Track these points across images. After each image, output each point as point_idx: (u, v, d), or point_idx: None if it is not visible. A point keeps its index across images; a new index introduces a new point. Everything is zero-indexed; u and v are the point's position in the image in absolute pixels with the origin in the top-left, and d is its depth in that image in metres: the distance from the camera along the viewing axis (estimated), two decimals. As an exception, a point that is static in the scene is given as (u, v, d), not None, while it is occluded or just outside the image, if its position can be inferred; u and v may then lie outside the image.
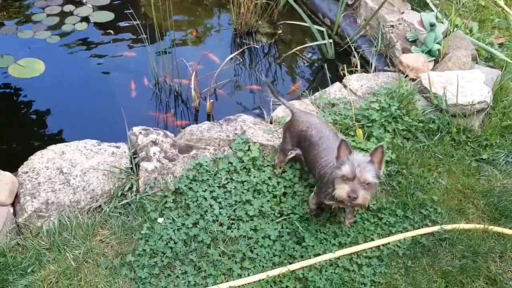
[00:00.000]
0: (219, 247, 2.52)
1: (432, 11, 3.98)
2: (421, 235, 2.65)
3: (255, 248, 2.54)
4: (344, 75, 3.60)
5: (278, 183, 2.80)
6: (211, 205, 2.67)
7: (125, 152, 2.87)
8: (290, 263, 2.49)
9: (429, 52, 3.60)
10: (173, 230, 2.56)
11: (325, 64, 3.93)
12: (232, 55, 3.86)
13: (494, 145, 3.14)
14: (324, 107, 3.27)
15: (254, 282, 2.41)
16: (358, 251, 2.57)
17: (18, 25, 4.33)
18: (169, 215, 2.62)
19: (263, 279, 2.41)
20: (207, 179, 2.75)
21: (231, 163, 2.83)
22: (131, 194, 2.71)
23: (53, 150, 2.83)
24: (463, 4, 4.33)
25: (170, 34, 4.01)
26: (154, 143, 2.87)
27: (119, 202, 2.67)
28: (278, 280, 2.42)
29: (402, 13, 3.93)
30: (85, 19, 4.44)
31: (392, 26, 3.86)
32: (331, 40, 4.01)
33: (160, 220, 2.61)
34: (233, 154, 2.88)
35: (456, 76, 3.25)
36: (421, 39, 3.65)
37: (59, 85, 3.85)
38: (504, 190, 2.90)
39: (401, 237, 2.63)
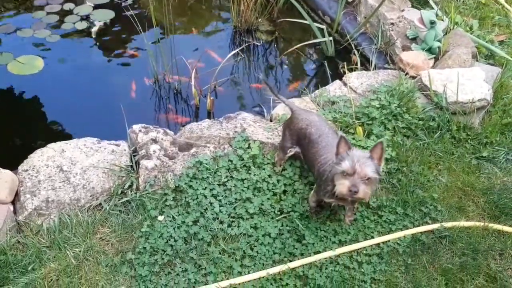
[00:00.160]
0: (219, 245, 2.53)
1: (432, 8, 3.97)
2: (421, 232, 2.65)
3: (255, 246, 2.54)
4: (344, 73, 3.60)
5: (278, 181, 2.80)
6: (211, 203, 2.67)
7: (125, 150, 2.87)
8: (290, 261, 2.49)
9: (429, 50, 3.60)
10: (173, 228, 2.57)
11: (325, 62, 3.93)
12: (233, 52, 3.86)
13: (494, 142, 3.14)
14: (324, 105, 3.26)
15: (255, 279, 2.41)
16: (358, 249, 2.57)
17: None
18: (169, 213, 2.62)
19: (263, 277, 2.42)
20: (207, 177, 2.75)
21: (231, 161, 2.83)
22: (131, 192, 2.71)
23: (53, 148, 2.83)
24: (463, 1, 4.32)
25: (170, 31, 4.01)
26: (154, 141, 2.87)
27: (119, 200, 2.68)
28: (278, 278, 2.43)
29: (402, 10, 3.92)
30: (85, 17, 4.44)
31: (392, 23, 3.85)
32: (331, 38, 4.00)
33: (160, 218, 2.61)
34: (233, 152, 2.88)
35: (456, 73, 3.25)
36: (421, 37, 3.64)
37: (58, 82, 3.85)
38: (504, 187, 2.90)
39: (401, 234, 2.63)
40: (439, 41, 3.60)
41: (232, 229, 2.58)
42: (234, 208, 2.66)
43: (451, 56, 3.48)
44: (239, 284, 2.39)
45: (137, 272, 2.41)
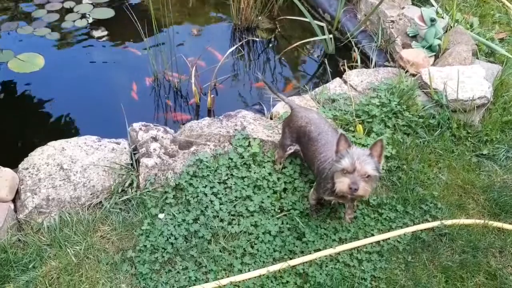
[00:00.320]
0: (220, 243, 2.53)
1: (433, 6, 3.97)
2: (421, 230, 2.66)
3: (256, 244, 2.55)
4: (344, 70, 3.60)
5: (278, 178, 2.80)
6: (211, 201, 2.67)
7: (125, 148, 2.88)
8: (291, 259, 2.50)
9: (430, 48, 3.60)
10: (174, 226, 2.57)
11: (326, 59, 3.92)
12: (232, 48, 3.86)
13: (494, 140, 3.14)
14: (324, 102, 3.26)
15: (255, 277, 2.42)
16: (358, 247, 2.57)
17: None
18: (169, 211, 2.63)
19: (263, 275, 2.42)
20: (208, 175, 2.76)
21: (231, 159, 2.83)
22: (131, 190, 2.71)
23: (53, 146, 2.84)
24: (463, -1, 4.32)
25: (170, 29, 4.00)
26: (154, 139, 2.88)
27: (119, 198, 2.68)
28: (279, 276, 2.43)
29: (403, 8, 3.92)
30: (85, 16, 4.44)
31: (392, 21, 3.85)
32: (331, 36, 4.00)
33: (160, 216, 2.61)
34: (233, 150, 2.89)
35: (456, 71, 3.25)
36: (422, 34, 3.64)
37: (59, 80, 3.85)
38: (504, 185, 2.91)
39: (401, 232, 2.63)
40: (439, 38, 3.59)
41: (232, 227, 2.59)
42: (235, 206, 2.67)
43: (451, 54, 3.48)
44: (239, 281, 2.40)
45: (137, 270, 2.41)
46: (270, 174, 2.81)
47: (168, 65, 3.75)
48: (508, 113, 3.29)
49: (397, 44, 3.75)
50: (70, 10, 4.48)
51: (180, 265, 2.45)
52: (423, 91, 3.31)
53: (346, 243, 2.58)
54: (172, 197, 2.68)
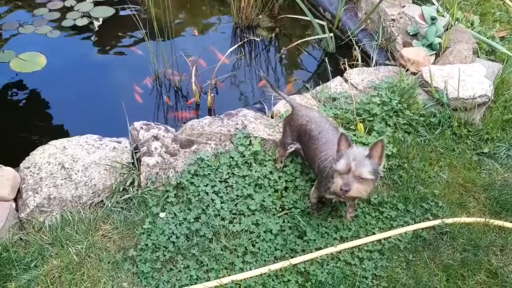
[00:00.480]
0: (221, 242, 2.53)
1: (433, 4, 3.96)
2: (422, 228, 2.66)
3: (257, 242, 2.55)
4: (345, 69, 3.60)
5: (279, 177, 2.80)
6: (212, 200, 2.68)
7: (126, 147, 2.88)
8: (292, 257, 2.50)
9: (430, 46, 3.59)
10: (175, 225, 2.57)
11: (326, 58, 3.92)
12: (233, 47, 3.86)
13: (495, 138, 3.14)
14: (325, 101, 3.26)
15: (256, 276, 2.42)
16: (360, 245, 2.57)
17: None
18: (171, 209, 2.63)
19: (265, 273, 2.42)
20: (209, 173, 2.76)
21: (232, 158, 2.83)
22: (132, 189, 2.71)
23: (54, 145, 2.84)
24: (464, -3, 4.31)
25: (170, 29, 4.01)
26: (155, 138, 2.88)
27: (121, 197, 2.68)
28: (280, 274, 2.44)
29: (403, 6, 3.92)
30: (86, 14, 4.44)
31: (393, 19, 3.85)
32: (331, 34, 4.00)
33: (162, 214, 2.61)
34: (234, 148, 2.89)
35: (457, 69, 3.25)
36: (422, 33, 3.64)
37: (60, 79, 3.85)
38: (505, 183, 2.91)
39: (402, 231, 2.63)
40: (440, 37, 3.59)
41: (233, 226, 2.59)
42: (236, 205, 2.67)
43: (452, 52, 3.48)
44: (241, 280, 2.40)
45: (139, 269, 2.42)
46: (271, 172, 2.81)
47: (169, 64, 3.75)
48: (509, 111, 3.29)
49: (397, 42, 3.75)
50: (70, 9, 4.48)
51: (182, 263, 2.46)
52: (424, 90, 3.31)
53: (347, 241, 2.58)
54: (173, 196, 2.68)
